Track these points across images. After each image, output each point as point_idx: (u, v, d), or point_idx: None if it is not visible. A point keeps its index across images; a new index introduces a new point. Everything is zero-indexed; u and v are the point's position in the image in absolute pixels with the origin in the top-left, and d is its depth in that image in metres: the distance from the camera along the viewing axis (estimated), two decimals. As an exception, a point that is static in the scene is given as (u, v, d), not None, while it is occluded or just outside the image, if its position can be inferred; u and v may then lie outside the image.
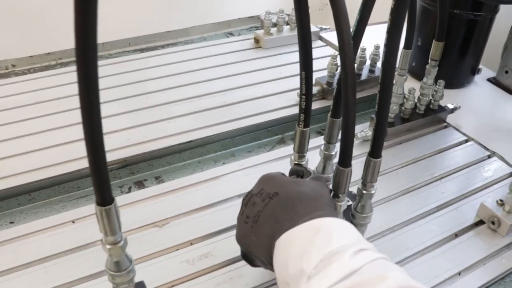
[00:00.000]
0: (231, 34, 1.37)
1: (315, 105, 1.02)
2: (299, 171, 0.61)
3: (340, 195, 0.57)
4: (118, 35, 1.24)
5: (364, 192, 0.60)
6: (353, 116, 0.52)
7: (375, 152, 0.57)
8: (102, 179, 0.41)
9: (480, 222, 0.77)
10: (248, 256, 0.57)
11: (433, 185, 0.85)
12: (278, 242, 0.49)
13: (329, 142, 0.65)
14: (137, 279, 0.65)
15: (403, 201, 0.81)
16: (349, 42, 0.47)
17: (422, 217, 0.78)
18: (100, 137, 0.37)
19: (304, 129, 0.61)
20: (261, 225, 0.52)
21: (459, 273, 0.69)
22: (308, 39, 0.55)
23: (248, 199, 0.55)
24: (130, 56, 1.20)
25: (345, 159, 0.55)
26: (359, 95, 1.03)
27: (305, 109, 0.59)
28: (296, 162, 0.64)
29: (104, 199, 0.42)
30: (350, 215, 0.64)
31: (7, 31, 1.17)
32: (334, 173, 0.57)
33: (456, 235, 0.76)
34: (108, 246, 0.46)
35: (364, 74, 1.05)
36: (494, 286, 0.69)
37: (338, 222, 0.49)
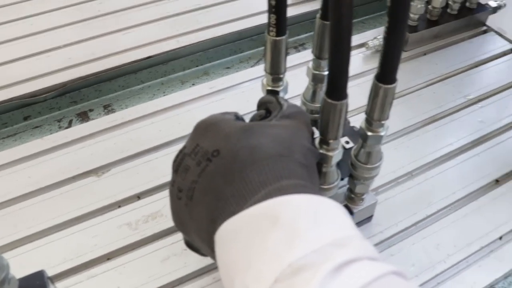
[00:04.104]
0: None
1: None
2: (269, 103, 0.40)
3: (330, 141, 0.37)
4: None
5: (369, 134, 0.40)
6: (349, 12, 0.30)
7: (386, 74, 0.36)
8: None
9: (531, 163, 0.57)
10: (192, 244, 0.39)
11: (468, 111, 0.64)
12: (217, 234, 0.30)
13: (319, 56, 0.44)
14: (56, 253, 0.48)
15: (427, 134, 0.61)
16: None
17: (451, 156, 0.58)
18: None
19: (278, 37, 0.39)
20: (197, 203, 0.33)
21: (501, 238, 0.51)
22: None
23: (179, 162, 0.35)
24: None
25: (336, 86, 0.34)
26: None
27: (277, 6, 0.37)
28: (269, 88, 0.43)
29: None
30: (349, 164, 0.44)
31: None
32: (321, 108, 0.36)
33: (497, 182, 0.56)
34: None
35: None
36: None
37: (309, 202, 0.29)
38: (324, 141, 0.38)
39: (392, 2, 0.32)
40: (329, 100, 0.34)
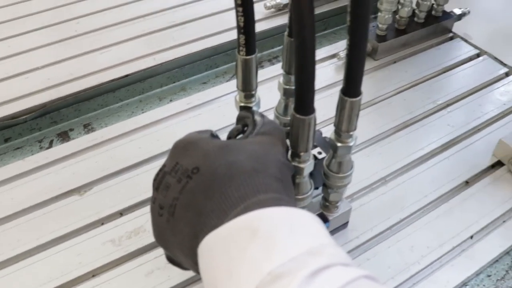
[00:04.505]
0: None
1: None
2: (246, 118, 0.41)
3: (301, 153, 0.39)
4: None
5: (339, 145, 0.42)
6: (311, 33, 0.32)
7: (351, 88, 0.38)
8: None
9: (498, 164, 0.60)
10: (173, 259, 0.40)
11: (437, 116, 0.66)
12: (200, 248, 0.32)
13: (289, 72, 0.46)
14: (41, 272, 0.50)
15: (398, 140, 0.63)
16: None
17: (422, 160, 0.61)
18: None
19: (247, 56, 0.41)
20: (179, 219, 0.34)
21: (471, 237, 0.53)
22: None
23: (160, 180, 0.36)
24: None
25: (304, 103, 0.36)
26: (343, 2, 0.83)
27: (245, 27, 0.39)
28: (242, 104, 0.45)
29: None
30: (322, 174, 0.46)
31: None
32: (290, 122, 0.38)
33: (467, 183, 0.58)
34: None
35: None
36: (518, 250, 0.53)
37: (285, 214, 0.31)
38: (295, 154, 0.39)
39: (351, 21, 0.34)
40: (298, 116, 0.36)
